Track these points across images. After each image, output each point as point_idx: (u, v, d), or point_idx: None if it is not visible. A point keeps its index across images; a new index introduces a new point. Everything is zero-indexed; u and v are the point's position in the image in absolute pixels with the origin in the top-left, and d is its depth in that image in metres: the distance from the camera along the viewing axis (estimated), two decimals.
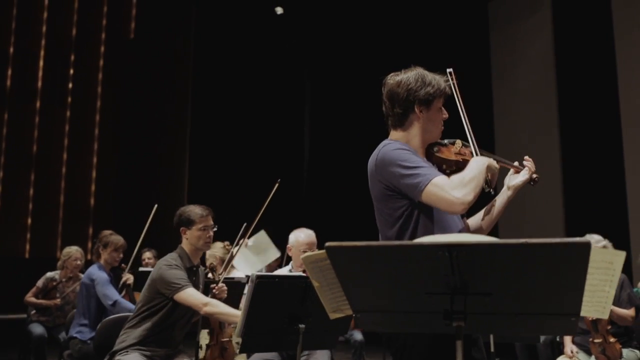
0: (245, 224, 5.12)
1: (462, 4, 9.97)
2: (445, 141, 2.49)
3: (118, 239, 5.05)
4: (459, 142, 2.48)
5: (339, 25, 10.76)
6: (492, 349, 4.19)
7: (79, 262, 6.00)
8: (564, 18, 9.02)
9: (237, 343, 3.66)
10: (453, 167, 2.46)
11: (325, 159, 11.20)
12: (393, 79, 2.43)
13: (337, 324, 2.49)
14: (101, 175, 10.78)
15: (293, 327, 2.89)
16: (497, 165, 2.33)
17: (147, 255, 6.94)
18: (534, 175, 2.48)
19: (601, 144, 8.33)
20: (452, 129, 2.53)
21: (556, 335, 4.70)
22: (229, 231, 5.13)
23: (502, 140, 9.58)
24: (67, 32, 10.72)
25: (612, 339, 4.36)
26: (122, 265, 5.34)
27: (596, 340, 4.38)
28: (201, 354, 3.98)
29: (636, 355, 4.55)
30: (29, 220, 10.11)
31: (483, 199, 2.40)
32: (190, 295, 3.36)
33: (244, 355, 3.96)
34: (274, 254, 5.92)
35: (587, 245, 1.38)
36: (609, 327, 4.40)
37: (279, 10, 10.71)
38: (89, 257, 6.54)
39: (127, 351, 3.37)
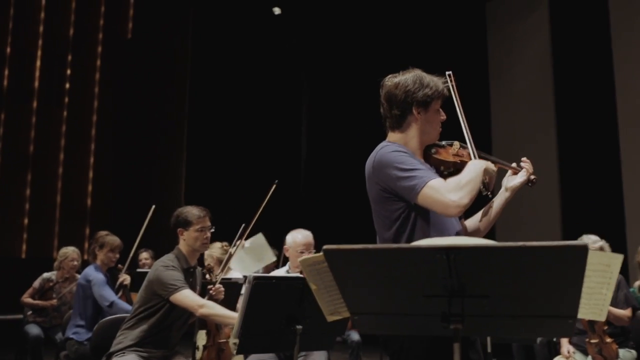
0: (243, 225, 5.12)
1: (460, 4, 9.97)
2: (443, 143, 2.49)
3: (114, 240, 5.04)
4: (456, 143, 2.49)
5: (337, 26, 10.76)
6: (489, 350, 4.19)
7: (75, 263, 5.99)
8: (561, 18, 9.03)
9: (235, 344, 3.66)
10: (451, 169, 2.46)
11: (322, 159, 11.19)
12: (391, 80, 2.43)
13: (334, 325, 2.48)
14: (98, 176, 10.76)
15: (290, 328, 2.89)
16: (494, 169, 2.33)
17: (144, 255, 6.94)
18: (532, 177, 2.49)
19: (598, 144, 8.35)
20: (450, 131, 2.53)
21: (553, 337, 4.71)
22: (227, 232, 5.12)
23: (499, 140, 9.59)
24: (64, 32, 10.69)
25: (608, 340, 4.37)
26: (119, 265, 5.33)
27: (593, 341, 4.39)
28: (198, 354, 3.98)
29: (632, 356, 4.56)
30: (26, 221, 10.08)
31: (481, 200, 2.41)
32: (186, 296, 3.35)
33: (241, 356, 3.96)
34: (270, 257, 5.93)
35: (584, 249, 1.38)
36: (606, 327, 4.41)
37: (277, 10, 10.70)
38: (85, 257, 6.53)
39: (123, 352, 3.36)
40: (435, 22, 9.94)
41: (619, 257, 1.54)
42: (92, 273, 4.84)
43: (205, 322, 3.81)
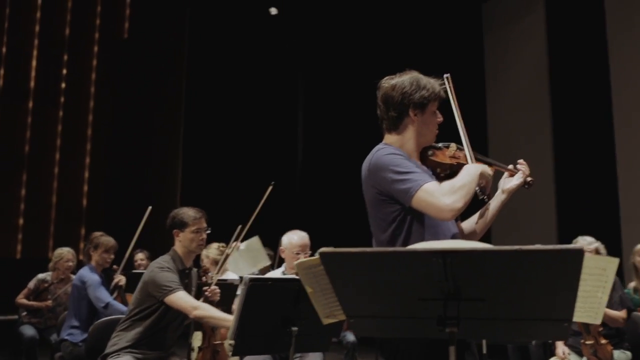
0: (240, 226, 5.11)
1: (456, 5, 9.99)
2: (440, 145, 2.49)
3: (108, 240, 5.03)
4: (453, 145, 2.49)
5: (334, 27, 10.76)
6: (485, 351, 4.20)
7: (70, 264, 5.98)
8: (557, 19, 9.06)
9: (230, 344, 3.65)
10: (447, 171, 2.46)
11: (318, 160, 11.19)
12: (388, 82, 2.43)
13: (330, 326, 2.48)
14: (94, 176, 10.73)
15: (286, 330, 2.89)
16: (490, 173, 2.33)
17: (140, 256, 6.92)
18: (529, 179, 2.49)
19: (594, 144, 8.37)
20: (447, 133, 2.53)
21: (549, 340, 4.72)
22: (223, 233, 5.12)
23: (495, 141, 9.61)
24: (60, 31, 10.66)
25: (603, 341, 4.37)
26: (114, 266, 5.32)
27: (588, 342, 4.39)
28: (193, 356, 3.98)
29: (627, 357, 4.57)
30: (21, 221, 10.05)
31: (477, 202, 2.41)
32: (180, 298, 3.34)
33: (237, 357, 3.96)
34: (264, 262, 5.94)
35: (580, 252, 1.38)
36: (601, 328, 4.41)
37: (274, 11, 10.69)
38: (81, 257, 6.51)
39: (119, 354, 3.36)
40: (432, 23, 9.95)
41: (615, 261, 1.54)
42: (87, 274, 4.83)
43: (200, 323, 3.81)
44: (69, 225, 10.41)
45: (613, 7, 8.34)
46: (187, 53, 11.21)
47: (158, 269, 3.44)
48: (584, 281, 1.48)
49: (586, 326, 4.37)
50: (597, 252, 4.59)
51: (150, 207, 5.09)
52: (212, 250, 5.21)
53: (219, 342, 3.84)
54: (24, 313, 5.98)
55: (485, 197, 2.37)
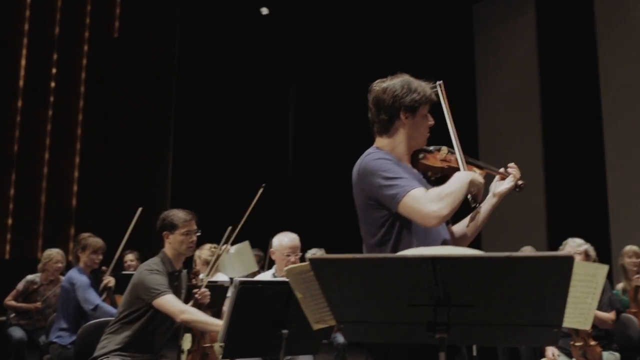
0: (230, 228, 5.10)
1: (447, 6, 10.01)
2: (431, 148, 2.49)
3: (96, 241, 5.01)
4: (444, 148, 2.49)
5: (325, 27, 10.75)
6: (475, 353, 4.21)
7: (59, 265, 5.94)
8: (547, 21, 9.10)
9: (221, 346, 3.64)
10: (438, 174, 2.46)
11: (309, 162, 11.19)
12: (379, 85, 2.43)
13: (320, 329, 2.49)
14: (84, 176, 10.66)
15: (276, 333, 2.88)
16: (481, 180, 2.33)
17: (130, 257, 6.89)
18: (520, 182, 2.49)
19: (583, 146, 8.42)
20: (438, 136, 2.53)
21: (538, 345, 4.74)
22: (213, 234, 5.11)
23: (485, 142, 9.63)
24: (50, 30, 10.58)
25: (592, 342, 4.39)
26: (103, 267, 5.29)
27: (577, 344, 4.41)
28: (183, 358, 3.96)
29: (616, 358, 4.60)
30: (10, 221, 9.97)
31: (468, 206, 2.41)
32: (168, 301, 3.32)
33: None
34: (252, 268, 5.94)
35: (569, 260, 1.38)
36: (590, 330, 4.43)
37: (265, 11, 10.67)
38: (70, 258, 6.47)
39: (107, 357, 3.34)
40: (423, 25, 9.97)
41: (604, 268, 1.55)
42: (76, 276, 4.80)
43: None
44: (58, 226, 10.34)
45: (602, 9, 8.39)
46: (177, 52, 11.17)
47: (147, 271, 3.42)
48: (574, 287, 1.49)
49: (575, 328, 4.38)
50: (586, 254, 4.60)
51: (140, 209, 5.06)
52: (205, 251, 5.20)
53: (209, 344, 3.82)
54: (12, 315, 5.94)
55: (477, 205, 2.37)
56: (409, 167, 2.41)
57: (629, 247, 5.66)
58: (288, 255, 4.13)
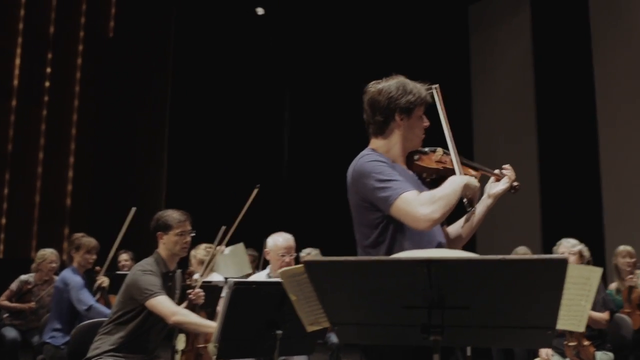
0: (224, 227, 5.08)
1: (443, 7, 10.02)
2: (426, 149, 2.50)
3: (90, 241, 4.99)
4: (440, 150, 2.49)
5: (321, 27, 10.75)
6: (469, 353, 4.21)
7: (53, 265, 5.91)
8: (543, 21, 9.13)
9: (215, 346, 3.63)
10: (434, 175, 2.46)
11: (304, 162, 11.18)
12: (374, 87, 2.44)
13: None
14: (78, 176, 10.60)
15: (270, 333, 2.88)
16: (476, 184, 2.33)
17: (124, 257, 6.87)
18: (515, 183, 2.49)
19: (578, 146, 8.45)
20: (433, 137, 2.53)
21: (532, 347, 4.76)
22: (208, 234, 5.09)
23: (480, 142, 9.66)
24: (44, 29, 10.52)
25: (586, 342, 4.41)
26: (97, 267, 5.27)
27: (571, 344, 4.42)
28: (177, 358, 3.95)
29: (609, 358, 4.61)
30: (4, 220, 9.92)
31: (463, 207, 2.41)
32: (160, 303, 3.31)
33: None
34: (246, 269, 5.93)
35: (563, 262, 1.38)
36: (584, 330, 4.44)
37: (260, 11, 10.66)
38: (64, 257, 6.45)
39: (101, 357, 3.33)
40: (419, 25, 9.98)
41: (598, 271, 1.55)
42: (70, 276, 4.78)
43: None
44: (52, 225, 10.29)
45: (598, 9, 8.42)
46: (172, 52, 11.14)
47: (141, 272, 3.41)
48: (568, 290, 1.49)
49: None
50: (580, 254, 4.62)
51: (134, 209, 5.04)
52: (200, 251, 5.20)
53: (203, 345, 3.81)
54: (6, 315, 5.91)
55: (473, 209, 2.37)
56: (404, 168, 2.41)
57: (623, 247, 5.68)
58: (283, 256, 4.13)
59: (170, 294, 3.53)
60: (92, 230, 5.80)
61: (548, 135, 8.88)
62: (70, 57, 10.80)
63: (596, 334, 4.60)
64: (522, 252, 6.21)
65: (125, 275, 3.73)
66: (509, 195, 2.51)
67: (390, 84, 2.41)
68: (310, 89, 11.24)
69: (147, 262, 3.50)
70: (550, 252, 4.79)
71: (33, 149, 10.31)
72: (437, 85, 2.49)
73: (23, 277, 5.97)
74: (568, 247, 4.63)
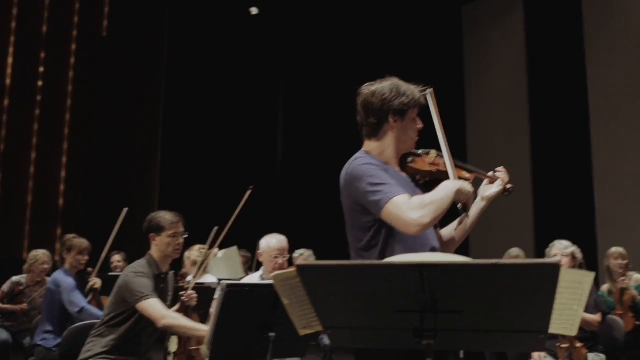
0: (216, 228, 5.07)
1: (437, 8, 10.04)
2: (420, 151, 2.49)
3: (81, 242, 4.96)
4: (433, 152, 2.49)
5: (314, 27, 10.74)
6: (462, 356, 4.22)
7: (46, 266, 5.88)
8: (536, 23, 9.16)
9: (209, 349, 3.62)
10: (427, 178, 2.46)
11: (298, 163, 11.17)
12: (368, 88, 2.43)
13: None
14: (71, 176, 10.57)
15: (263, 336, 2.87)
16: (470, 190, 2.31)
17: (117, 258, 6.84)
18: (508, 186, 2.50)
19: (571, 147, 8.48)
20: (427, 139, 2.53)
21: (525, 351, 4.77)
22: (201, 235, 5.08)
23: (473, 143, 9.68)
24: (37, 28, 10.49)
25: (578, 344, 4.42)
26: (89, 269, 5.25)
27: (563, 345, 4.44)
28: None
29: None
30: None
31: (457, 209, 2.40)
32: (151, 306, 3.29)
33: None
34: (238, 273, 5.92)
35: (556, 267, 1.38)
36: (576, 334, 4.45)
37: (254, 10, 10.65)
38: (57, 258, 6.43)
39: None
40: (413, 26, 9.99)
41: (591, 275, 1.55)
42: (62, 278, 4.75)
43: None
44: (45, 225, 10.26)
45: (591, 11, 8.45)
46: (166, 52, 11.12)
47: (133, 273, 3.39)
48: (560, 294, 1.49)
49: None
50: (573, 256, 4.63)
51: (125, 209, 5.03)
52: (194, 252, 5.18)
53: (195, 347, 3.80)
54: None
55: (467, 214, 2.36)
56: (397, 170, 2.41)
57: (615, 249, 5.70)
58: (276, 257, 4.13)
59: (163, 295, 3.51)
60: (85, 230, 5.78)
61: (541, 135, 8.91)
62: (63, 57, 10.77)
63: (588, 336, 4.61)
64: (515, 254, 6.21)
65: (117, 276, 3.71)
66: (502, 197, 2.51)
67: (384, 86, 2.40)
68: (303, 89, 11.23)
69: (140, 264, 3.48)
70: (543, 253, 4.80)
71: (26, 149, 10.27)
72: (431, 90, 2.48)
73: (15, 278, 5.94)
74: (561, 248, 4.64)
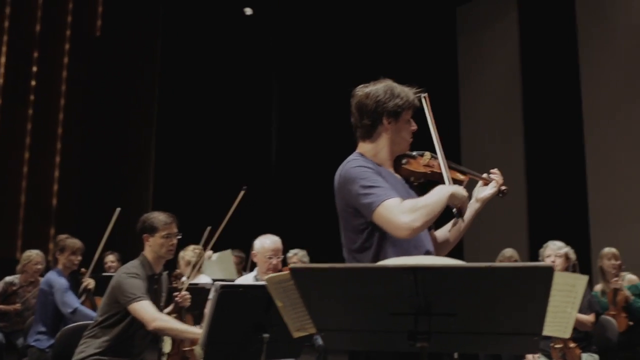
0: (209, 228, 5.07)
1: (430, 9, 10.05)
2: (414, 153, 2.49)
3: (74, 242, 4.94)
4: (427, 154, 2.49)
5: (308, 27, 10.74)
6: (456, 356, 4.22)
7: (39, 267, 5.85)
8: (530, 24, 9.19)
9: (203, 350, 3.62)
10: (421, 180, 2.46)
11: (292, 163, 11.17)
12: (362, 90, 2.43)
13: None
14: (64, 175, 10.53)
15: (257, 337, 2.87)
16: (464, 194, 2.30)
17: (110, 258, 6.81)
18: (503, 187, 2.50)
19: (564, 147, 8.51)
20: (421, 141, 2.53)
21: (519, 353, 4.79)
22: (195, 235, 5.08)
23: (467, 143, 9.70)
24: (30, 28, 10.45)
25: (572, 344, 4.43)
26: (82, 269, 5.23)
27: (557, 346, 4.45)
28: None
29: None
30: None
31: (449, 212, 2.41)
32: (142, 308, 3.28)
33: None
34: (231, 276, 5.93)
35: (549, 270, 1.39)
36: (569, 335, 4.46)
37: (248, 11, 10.63)
38: (50, 258, 6.40)
39: None
40: (407, 26, 10.00)
41: (584, 279, 1.56)
42: (55, 278, 4.74)
43: None
44: (38, 225, 10.21)
45: (584, 12, 8.49)
46: (160, 52, 11.09)
47: (125, 274, 3.38)
48: (554, 297, 1.49)
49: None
50: (566, 257, 4.64)
51: (118, 209, 5.01)
52: (188, 253, 5.18)
53: (189, 348, 3.79)
54: None
55: (462, 219, 2.36)
56: (391, 172, 2.41)
57: (608, 250, 5.72)
58: (270, 258, 4.12)
59: (157, 296, 3.50)
60: (79, 230, 5.76)
61: (535, 136, 8.94)
62: (56, 56, 10.73)
63: (582, 336, 4.62)
64: (509, 254, 6.22)
65: (111, 276, 3.70)
66: (496, 198, 2.51)
67: (378, 88, 2.40)
68: (298, 90, 11.23)
69: (133, 265, 3.47)
70: (537, 254, 4.81)
71: (19, 148, 10.23)
72: (425, 95, 2.48)
73: (8, 278, 5.91)
74: (554, 249, 4.65)
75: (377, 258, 2.20)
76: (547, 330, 1.59)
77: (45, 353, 4.59)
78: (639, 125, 7.76)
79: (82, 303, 4.85)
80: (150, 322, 3.26)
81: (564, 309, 1.54)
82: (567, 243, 4.78)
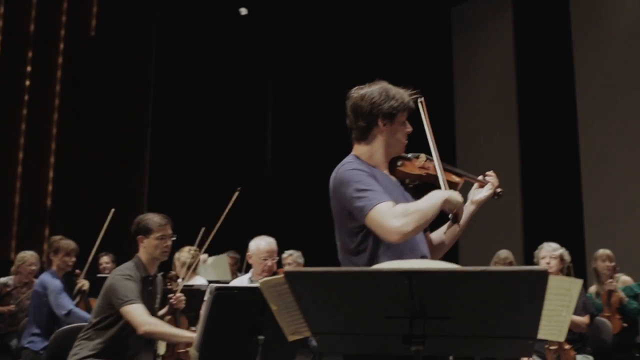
0: (204, 229, 5.05)
1: (425, 9, 10.06)
2: (409, 155, 2.49)
3: (68, 244, 4.92)
4: (423, 156, 2.49)
5: (304, 28, 10.73)
6: (451, 359, 4.22)
7: (33, 268, 5.83)
8: (525, 24, 9.21)
9: (198, 351, 3.61)
10: (416, 182, 2.46)
11: (287, 163, 11.16)
12: (357, 92, 2.43)
13: None
14: (59, 176, 10.50)
15: (252, 339, 2.86)
16: (459, 200, 2.29)
17: (105, 259, 6.79)
18: (498, 190, 2.50)
19: (559, 147, 8.54)
20: (417, 143, 2.53)
21: (514, 357, 4.79)
22: (190, 236, 5.07)
23: (462, 143, 9.71)
24: (24, 27, 10.42)
25: (566, 346, 4.43)
26: (77, 270, 5.21)
27: (551, 347, 4.45)
28: None
29: None
30: None
31: (445, 215, 2.40)
32: (134, 311, 3.27)
33: None
34: (226, 278, 5.92)
35: (544, 274, 1.39)
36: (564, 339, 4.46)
37: (244, 11, 10.62)
38: (44, 259, 6.38)
39: None
40: (402, 27, 10.01)
41: (579, 282, 1.56)
42: (49, 280, 4.72)
43: None
44: (32, 226, 10.18)
45: (578, 12, 8.51)
46: (155, 52, 11.06)
47: (119, 276, 3.37)
48: (549, 300, 1.49)
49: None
50: (561, 258, 4.64)
51: (113, 210, 5.00)
52: (184, 254, 5.17)
53: (183, 350, 3.78)
54: None
55: (457, 224, 2.35)
56: (386, 174, 2.40)
57: (602, 251, 5.73)
58: (265, 259, 4.12)
59: (151, 298, 3.49)
60: (73, 231, 5.74)
61: (530, 136, 8.96)
62: (51, 56, 10.70)
63: (577, 338, 4.62)
64: (504, 256, 6.22)
65: (106, 278, 3.69)
66: (491, 199, 2.51)
67: (373, 90, 2.40)
68: (293, 90, 11.23)
69: (127, 267, 3.46)
70: (532, 255, 4.82)
71: (13, 149, 10.20)
72: (422, 99, 2.48)
73: (2, 279, 5.89)
74: (549, 251, 4.65)
75: (372, 261, 2.20)
76: (542, 334, 1.59)
77: (39, 355, 4.57)
78: (633, 126, 7.78)
79: (77, 304, 4.83)
80: (140, 326, 3.24)
81: (558, 313, 1.54)
82: (562, 244, 4.78)
